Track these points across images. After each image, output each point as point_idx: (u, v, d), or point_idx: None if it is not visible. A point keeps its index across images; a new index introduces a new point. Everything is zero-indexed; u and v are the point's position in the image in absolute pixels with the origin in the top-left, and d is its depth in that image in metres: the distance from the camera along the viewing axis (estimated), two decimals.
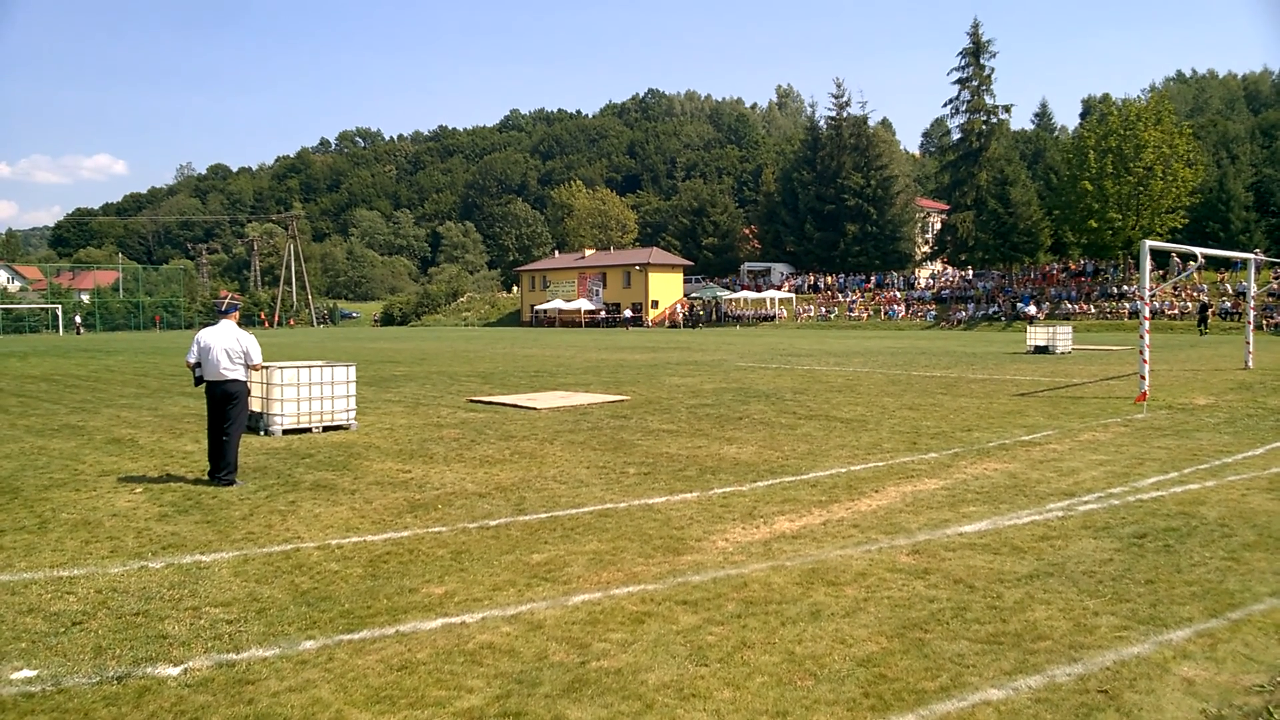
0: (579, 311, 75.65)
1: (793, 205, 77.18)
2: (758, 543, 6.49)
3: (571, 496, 8.04)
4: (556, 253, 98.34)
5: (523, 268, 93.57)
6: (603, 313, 73.65)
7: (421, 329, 79.25)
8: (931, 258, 75.59)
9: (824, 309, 66.45)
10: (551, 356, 29.82)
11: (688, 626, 4.84)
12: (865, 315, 63.59)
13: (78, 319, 77.11)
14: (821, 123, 79.50)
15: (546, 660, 4.40)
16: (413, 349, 36.16)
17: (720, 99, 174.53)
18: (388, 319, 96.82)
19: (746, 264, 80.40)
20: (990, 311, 57.70)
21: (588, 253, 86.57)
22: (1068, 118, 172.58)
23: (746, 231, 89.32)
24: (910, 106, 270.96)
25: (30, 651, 4.55)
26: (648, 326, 69.88)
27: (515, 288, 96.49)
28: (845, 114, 76.28)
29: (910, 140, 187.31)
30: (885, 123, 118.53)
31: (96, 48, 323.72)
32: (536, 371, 22.95)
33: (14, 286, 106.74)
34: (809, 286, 72.23)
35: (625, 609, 5.10)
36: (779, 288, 72.14)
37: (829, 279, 71.94)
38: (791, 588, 5.48)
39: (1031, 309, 44.80)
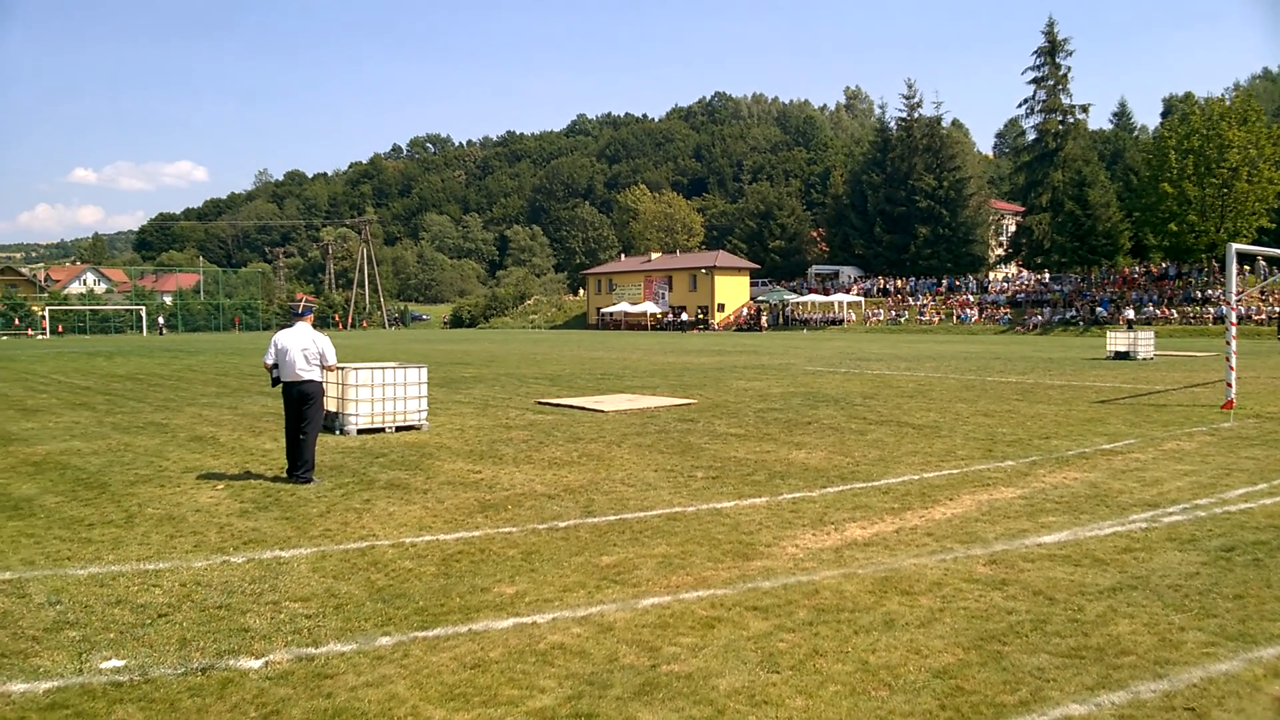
0: (645, 314, 75.80)
1: (862, 207, 76.23)
2: (829, 549, 6.42)
3: (639, 499, 8.06)
4: (623, 256, 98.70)
5: (589, 271, 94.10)
6: (670, 315, 73.65)
7: (489, 331, 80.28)
8: (1006, 260, 73.95)
9: (894, 312, 65.49)
10: (618, 359, 29.93)
11: (758, 633, 4.81)
12: (936, 319, 62.46)
13: (161, 320, 79.90)
14: (892, 124, 78.38)
15: (617, 663, 4.41)
16: (481, 351, 36.64)
17: (787, 101, 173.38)
18: (456, 321, 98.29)
19: (814, 267, 79.68)
20: (1068, 316, 56.19)
21: (654, 256, 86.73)
22: (1148, 117, 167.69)
23: (814, 234, 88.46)
24: (984, 107, 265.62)
25: (119, 642, 4.72)
26: (714, 329, 69.67)
27: (581, 291, 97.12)
28: (916, 115, 75.12)
29: (984, 141, 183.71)
30: (958, 123, 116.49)
31: (178, 59, 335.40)
32: (603, 374, 23.05)
33: (100, 288, 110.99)
34: (878, 290, 71.27)
35: (695, 613, 5.09)
36: (847, 291, 71.34)
37: (899, 282, 70.87)
38: (864, 596, 5.41)
39: (1130, 312, 42.94)
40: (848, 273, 75.51)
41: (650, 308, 76.47)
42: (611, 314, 78.54)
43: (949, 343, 43.48)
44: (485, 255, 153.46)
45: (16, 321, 75.76)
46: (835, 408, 14.92)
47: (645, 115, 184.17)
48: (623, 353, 34.45)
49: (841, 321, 66.08)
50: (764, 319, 68.30)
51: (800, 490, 8.41)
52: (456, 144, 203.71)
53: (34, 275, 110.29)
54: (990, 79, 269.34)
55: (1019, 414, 14.03)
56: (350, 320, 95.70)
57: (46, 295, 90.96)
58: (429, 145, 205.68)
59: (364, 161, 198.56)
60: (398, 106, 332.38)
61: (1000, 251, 76.55)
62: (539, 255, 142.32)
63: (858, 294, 70.30)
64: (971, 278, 69.43)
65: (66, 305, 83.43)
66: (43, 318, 75.03)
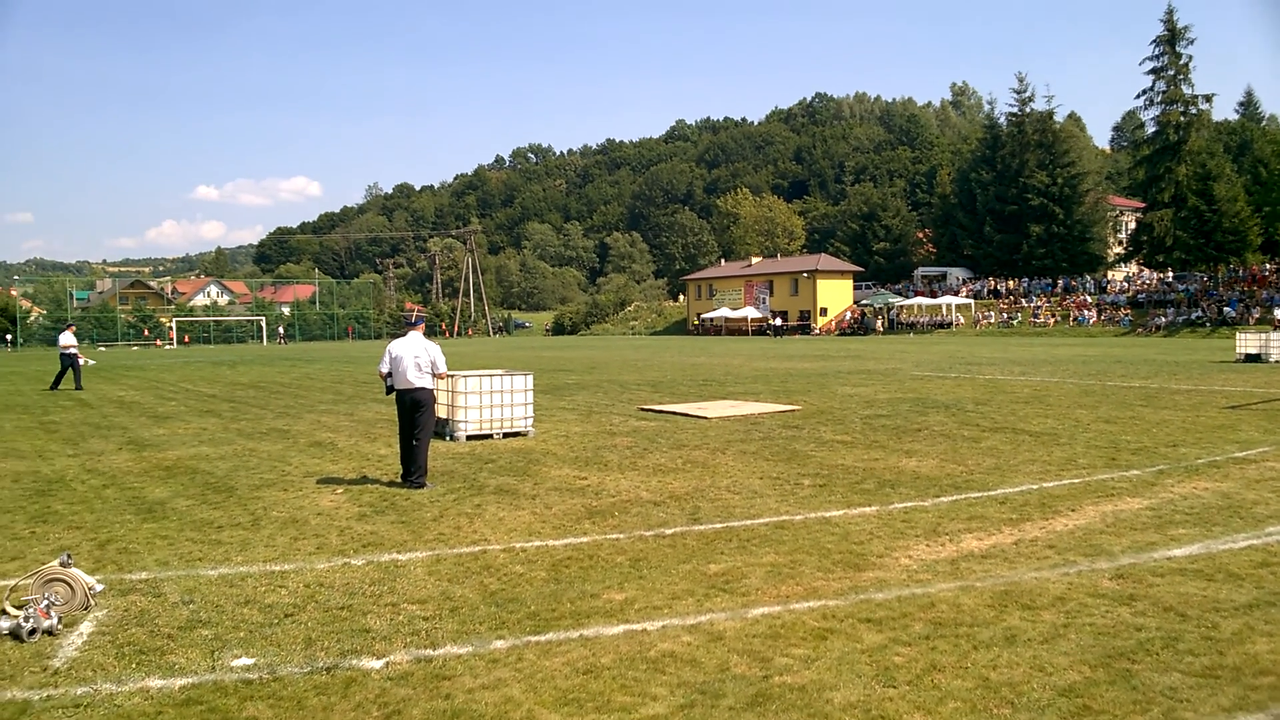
0: (745, 319, 75.35)
1: (970, 207, 74.07)
2: (944, 561, 6.24)
3: (746, 507, 8.00)
4: (723, 261, 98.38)
5: (689, 276, 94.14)
6: (776, 320, 73.05)
7: (590, 338, 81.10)
8: (1125, 259, 70.69)
9: (1005, 315, 63.36)
10: (719, 365, 29.83)
11: (873, 645, 4.70)
12: (1052, 321, 60.13)
13: (282, 330, 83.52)
14: (1002, 119, 75.97)
15: (729, 672, 4.37)
16: (583, 358, 37.04)
17: (890, 99, 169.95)
18: (558, 328, 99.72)
19: (920, 269, 77.81)
20: (1193, 316, 53.37)
21: (754, 260, 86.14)
22: (1278, 106, 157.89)
23: (920, 235, 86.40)
24: (1099, 99, 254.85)
25: (248, 640, 4.93)
26: (815, 334, 68.78)
27: (681, 296, 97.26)
28: (1028, 110, 72.58)
29: (1100, 135, 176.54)
30: (1073, 117, 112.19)
31: (293, 79, 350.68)
32: (705, 380, 23.00)
33: (223, 300, 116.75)
34: (989, 291, 69.08)
35: (806, 624, 5.02)
36: (956, 293, 69.37)
37: (1011, 283, 68.55)
38: (983, 610, 5.24)
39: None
40: (956, 274, 73.48)
41: (751, 313, 75.97)
42: (711, 319, 78.34)
43: (1066, 346, 41.81)
44: (586, 263, 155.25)
45: (146, 332, 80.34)
46: (946, 414, 14.52)
47: (744, 119, 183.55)
48: (724, 358, 34.32)
49: (950, 325, 64.30)
50: (879, 323, 66.75)
51: (912, 499, 8.21)
52: (557, 153, 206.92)
53: (162, 288, 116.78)
54: (1106, 70, 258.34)
55: (1143, 420, 13.39)
56: (456, 328, 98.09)
57: (173, 307, 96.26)
58: (531, 155, 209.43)
59: (468, 173, 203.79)
60: (500, 119, 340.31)
61: (1119, 250, 73.21)
62: (639, 262, 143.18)
63: (967, 296, 68.28)
64: (1089, 278, 66.63)
65: (192, 316, 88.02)
66: (170, 328, 79.37)
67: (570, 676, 4.35)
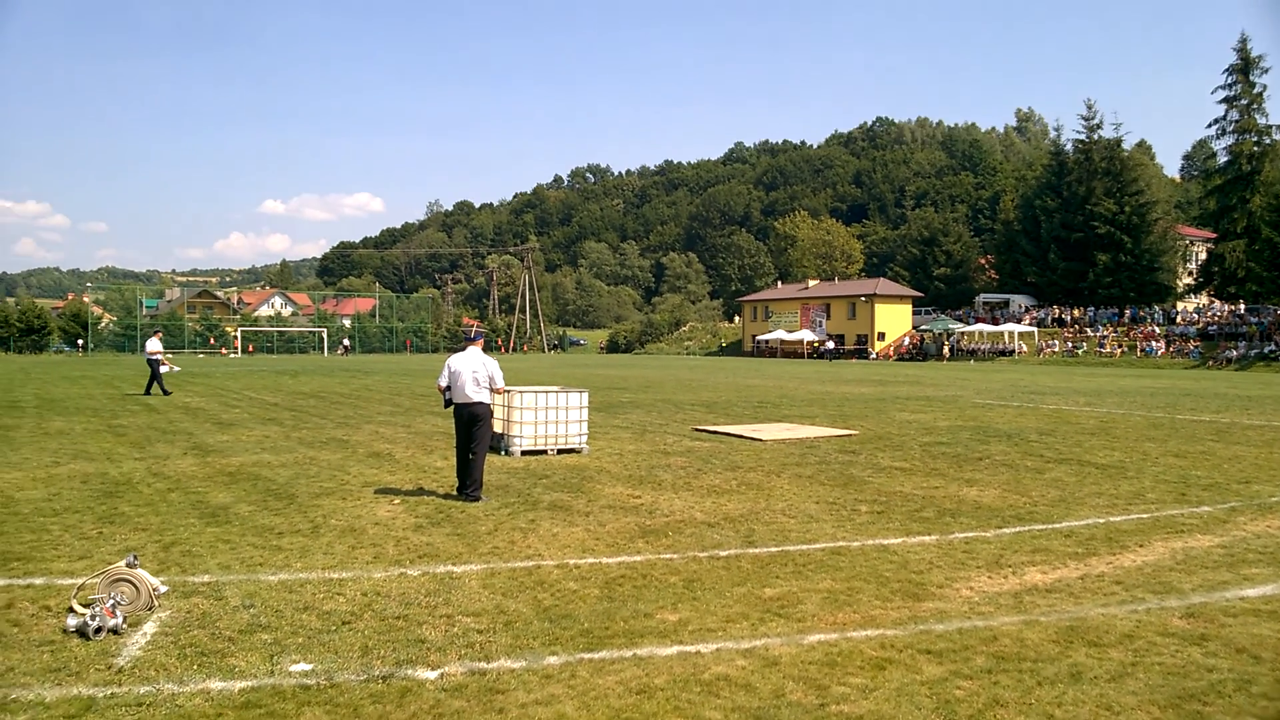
0: (801, 342, 74.82)
1: (1035, 234, 72.79)
2: (1007, 594, 6.08)
3: (802, 532, 7.89)
4: (779, 283, 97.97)
5: (745, 298, 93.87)
6: (830, 343, 72.46)
7: (645, 357, 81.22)
8: (1195, 290, 68.88)
9: (1070, 344, 61.98)
10: (774, 387, 29.62)
11: (933, 678, 4.59)
12: (1118, 352, 58.69)
13: (346, 341, 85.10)
14: (1068, 146, 74.70)
15: (784, 699, 4.30)
16: (637, 376, 37.07)
17: (953, 124, 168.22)
18: (613, 346, 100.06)
19: (982, 295, 76.56)
20: (1267, 350, 51.66)
21: (811, 283, 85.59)
22: None
23: (982, 261, 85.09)
24: (1169, 127, 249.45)
25: (306, 646, 4.98)
26: (873, 358, 68.00)
27: (737, 318, 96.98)
28: (1096, 136, 71.28)
29: (1170, 163, 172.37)
30: (1142, 145, 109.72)
31: (359, 98, 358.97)
32: (760, 402, 22.85)
33: (287, 311, 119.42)
34: (1053, 320, 67.71)
35: (864, 653, 4.92)
36: (1018, 320, 68.11)
37: (1076, 312, 67.11)
38: (1047, 645, 5.09)
39: None
40: (1019, 301, 72.17)
41: (807, 335, 75.45)
42: (767, 341, 77.96)
43: (1132, 377, 40.73)
44: (641, 282, 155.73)
45: (212, 340, 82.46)
46: (1008, 443, 14.21)
47: (804, 142, 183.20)
48: (779, 380, 34.08)
49: (1012, 352, 63.13)
50: (946, 349, 65.57)
51: (973, 530, 8.03)
52: (615, 174, 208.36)
53: (228, 298, 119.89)
54: (1176, 98, 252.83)
55: (1214, 456, 12.96)
56: (512, 344, 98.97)
57: (239, 317, 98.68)
58: (589, 175, 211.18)
59: (527, 192, 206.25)
60: (559, 139, 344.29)
61: (1189, 280, 71.38)
62: (694, 282, 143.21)
63: (1030, 324, 67.01)
64: (1157, 308, 64.93)
65: (256, 326, 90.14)
66: (235, 337, 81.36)
67: (623, 696, 4.31)
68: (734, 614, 5.57)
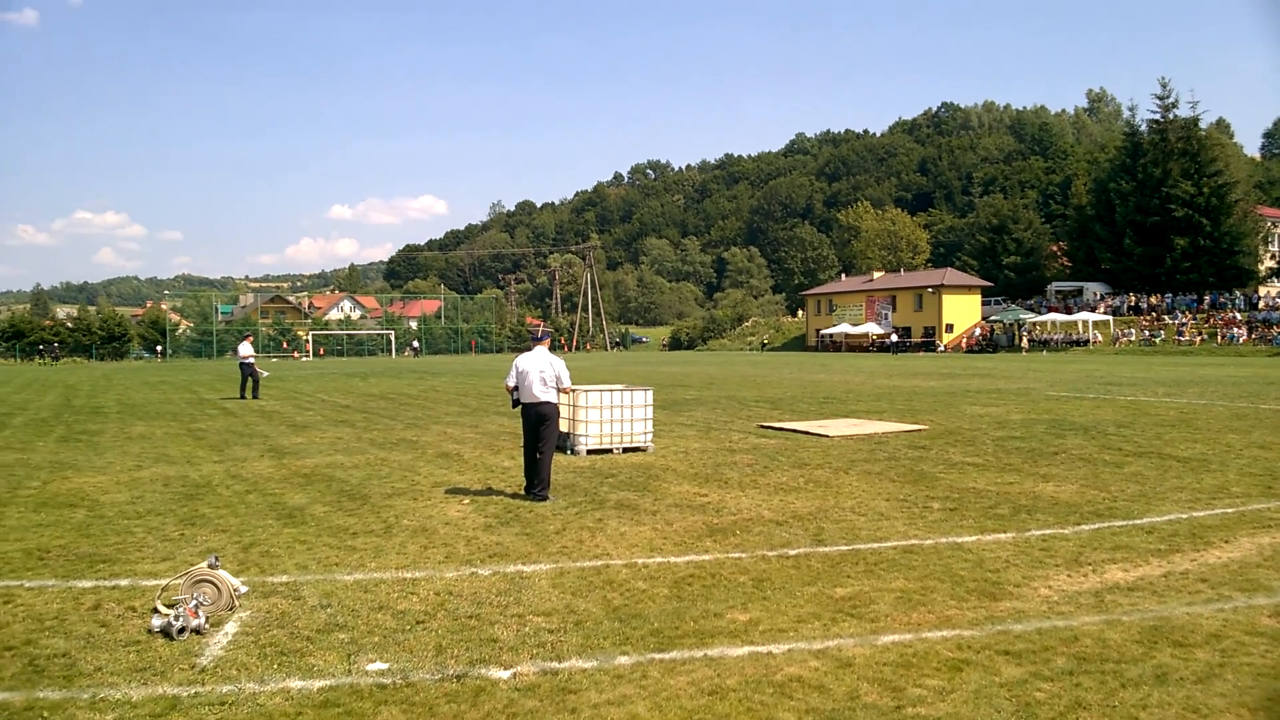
0: (867, 336, 73.84)
1: (1109, 218, 70.67)
2: (1087, 593, 5.91)
3: (872, 529, 7.78)
4: (843, 276, 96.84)
5: (808, 291, 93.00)
6: (892, 336, 71.40)
7: (707, 353, 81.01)
8: (1278, 274, 66.14)
9: (1147, 332, 60.07)
10: (840, 382, 29.28)
11: (1012, 679, 4.48)
12: (1198, 339, 56.69)
13: (415, 343, 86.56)
14: (1143, 127, 72.41)
15: (859, 701, 4.24)
16: (701, 373, 36.97)
17: (1021, 108, 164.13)
18: (675, 343, 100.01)
19: (1054, 284, 74.67)
20: None
21: (876, 275, 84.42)
22: None
23: (1054, 248, 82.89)
24: (1249, 105, 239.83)
25: (382, 646, 5.06)
26: (942, 351, 66.80)
27: (800, 312, 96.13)
28: (1171, 116, 68.92)
29: (1249, 142, 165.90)
30: (1221, 124, 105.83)
31: (421, 102, 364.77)
32: (825, 398, 22.60)
33: (355, 314, 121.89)
34: (1129, 308, 65.71)
35: (940, 654, 4.82)
36: (1093, 309, 66.23)
37: (1153, 299, 65.03)
38: (1131, 646, 4.93)
39: None
40: (1093, 289, 70.19)
41: (873, 328, 74.42)
42: (831, 335, 77.11)
43: (1214, 366, 39.29)
44: (703, 278, 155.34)
45: (285, 344, 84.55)
46: (1085, 437, 13.82)
47: (866, 131, 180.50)
48: (845, 375, 33.68)
49: (1086, 342, 61.41)
50: (1026, 341, 63.88)
51: (1050, 527, 7.82)
52: (675, 169, 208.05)
53: (299, 303, 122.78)
54: (1256, 74, 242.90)
55: None
56: (575, 343, 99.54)
57: (310, 321, 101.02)
58: (649, 171, 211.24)
59: (588, 190, 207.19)
60: (619, 136, 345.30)
61: (1271, 264, 68.61)
62: (756, 277, 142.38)
63: (1105, 312, 65.11)
64: (1238, 293, 62.55)
65: (327, 330, 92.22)
66: (306, 341, 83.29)
67: (695, 697, 4.29)
68: (805, 614, 5.51)
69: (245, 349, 24.54)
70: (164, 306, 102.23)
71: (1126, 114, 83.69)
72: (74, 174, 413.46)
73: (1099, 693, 4.32)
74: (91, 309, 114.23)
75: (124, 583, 6.35)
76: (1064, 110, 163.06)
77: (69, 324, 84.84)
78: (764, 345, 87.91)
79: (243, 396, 24.09)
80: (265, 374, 27.70)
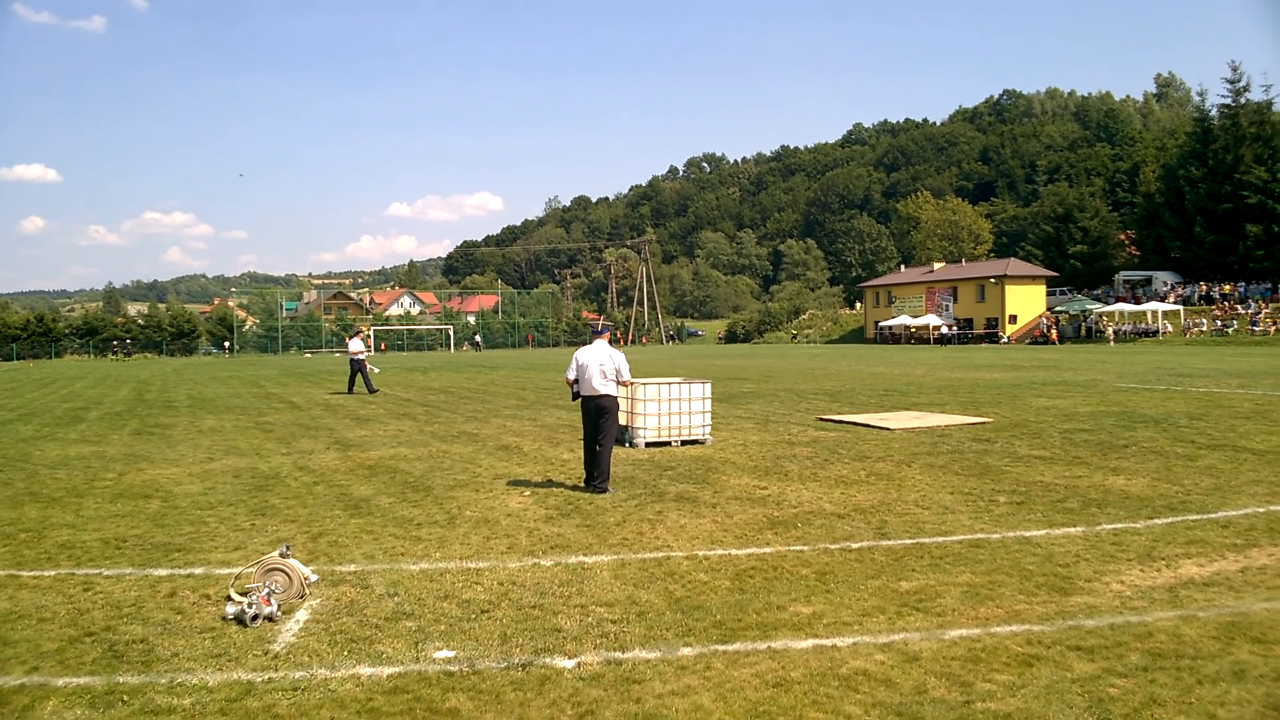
0: (927, 328, 72.71)
1: (1178, 206, 68.58)
2: (1161, 588, 5.76)
3: (937, 523, 7.66)
4: (902, 267, 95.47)
5: (866, 283, 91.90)
6: (942, 328, 70.16)
7: (764, 346, 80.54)
8: None
9: (1219, 322, 58.19)
10: (900, 375, 28.89)
11: (1084, 675, 4.39)
12: (1272, 329, 54.75)
13: (478, 338, 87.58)
14: (1213, 112, 70.13)
15: (926, 695, 4.18)
16: (758, 366, 36.78)
17: (1086, 94, 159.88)
18: (731, 336, 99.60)
19: (1122, 273, 72.69)
20: None
21: (936, 266, 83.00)
22: None
23: (1121, 237, 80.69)
24: None
25: (449, 634, 5.14)
26: (1006, 342, 65.51)
27: (858, 304, 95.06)
28: (1243, 100, 66.61)
29: None
30: None
31: (477, 99, 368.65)
32: (885, 390, 22.32)
33: (415, 310, 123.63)
34: (1200, 297, 63.70)
35: (1009, 649, 4.73)
36: (1162, 299, 64.32)
37: (1225, 287, 62.95)
38: (1207, 642, 4.79)
39: None
40: (1162, 278, 68.19)
41: (933, 320, 73.24)
42: (890, 327, 76.09)
43: None
44: (759, 270, 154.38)
45: (347, 340, 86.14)
46: (1156, 429, 13.44)
47: (925, 119, 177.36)
48: (905, 368, 33.22)
49: (1156, 333, 59.70)
50: (1109, 331, 62.08)
51: (1122, 521, 7.63)
52: (731, 162, 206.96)
53: (361, 299, 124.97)
54: None
55: None
56: (630, 337, 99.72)
57: (371, 317, 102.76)
58: (704, 165, 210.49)
59: (643, 184, 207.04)
60: (674, 129, 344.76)
61: None
62: (813, 269, 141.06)
63: (1174, 302, 63.22)
64: None
65: (387, 325, 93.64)
66: (368, 336, 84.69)
67: (760, 689, 4.28)
68: (869, 607, 5.45)
69: (356, 345, 24.35)
70: (231, 303, 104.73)
71: (1196, 99, 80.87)
72: (142, 175, 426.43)
73: (1174, 689, 4.22)
74: (161, 306, 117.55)
75: (198, 571, 6.53)
76: (1130, 96, 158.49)
77: (140, 321, 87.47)
78: (793, 338, 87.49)
79: (350, 391, 23.86)
80: (377, 370, 27.75)
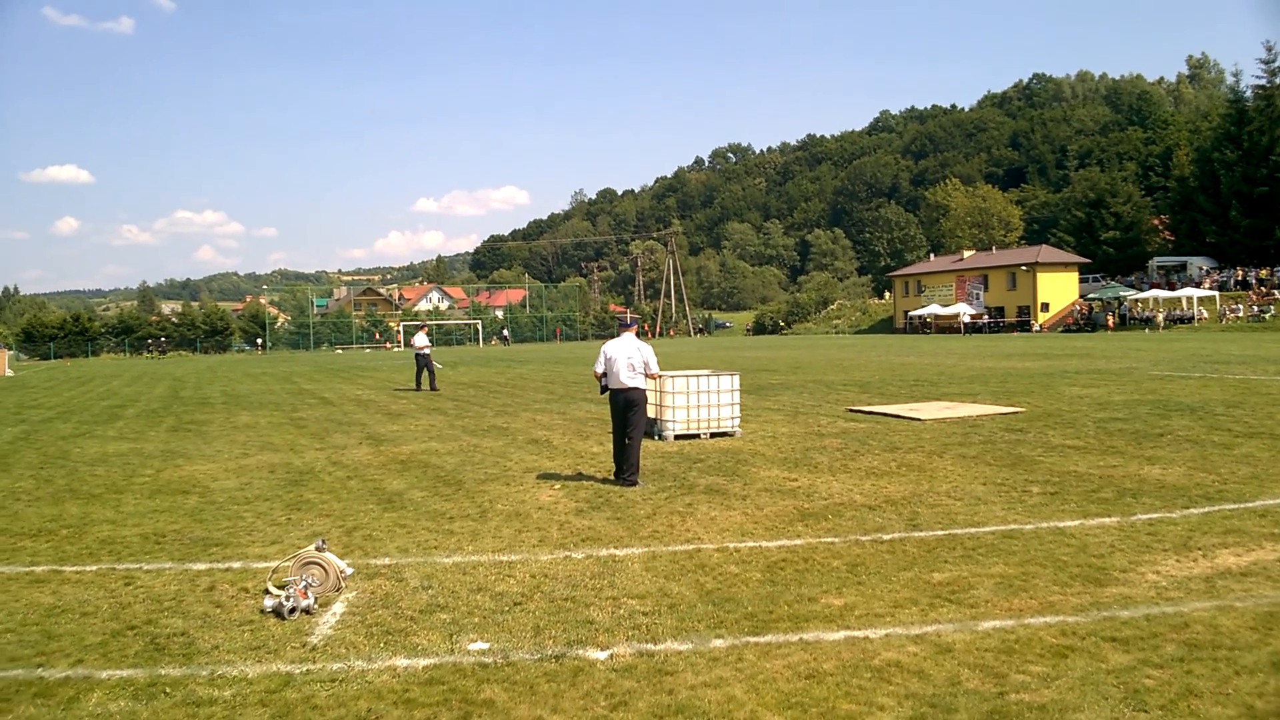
0: (957, 317, 72.07)
1: (1213, 190, 67.40)
2: (1197, 578, 5.70)
3: (969, 514, 7.62)
4: (932, 256, 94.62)
5: (895, 272, 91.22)
6: (965, 317, 69.46)
7: (792, 337, 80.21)
8: None
9: (1256, 308, 57.18)
10: (931, 364, 28.69)
11: (1119, 666, 4.36)
12: None
13: (506, 332, 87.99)
14: (1248, 93, 68.80)
15: (960, 686, 4.17)
16: (786, 357, 36.65)
17: (1117, 76, 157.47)
18: (759, 328, 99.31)
19: (1156, 259, 71.59)
20: None
21: (966, 254, 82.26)
22: None
23: (1155, 222, 79.41)
24: None
25: (482, 626, 5.19)
26: (1037, 330, 64.80)
27: (887, 294, 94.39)
28: (1279, 81, 65.24)
29: None
30: None
31: (502, 92, 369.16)
32: (916, 380, 22.18)
33: (443, 305, 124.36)
34: (1236, 282, 62.60)
35: (1044, 640, 4.71)
36: (1198, 284, 63.31)
37: (1262, 272, 61.81)
38: (1244, 632, 4.74)
39: None
40: (1197, 264, 67.09)
41: (964, 309, 72.57)
42: (920, 317, 75.51)
43: None
44: (786, 261, 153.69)
45: (377, 335, 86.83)
46: (1192, 417, 13.27)
47: (954, 105, 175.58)
48: (935, 357, 32.97)
49: (1191, 319, 58.79)
50: (1160, 318, 61.24)
51: (1157, 510, 7.54)
52: (756, 152, 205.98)
53: (390, 295, 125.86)
54: None
55: None
56: (658, 329, 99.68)
57: (400, 312, 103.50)
58: (730, 155, 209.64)
59: (668, 176, 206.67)
60: (699, 120, 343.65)
61: None
62: (841, 259, 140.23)
63: (1210, 288, 62.21)
64: None
65: (416, 320, 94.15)
66: (398, 332, 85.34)
67: (792, 680, 4.29)
68: (902, 599, 5.44)
69: (421, 339, 23.92)
70: (262, 301, 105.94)
71: (1230, 80, 79.40)
72: (173, 175, 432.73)
73: (1211, 680, 4.18)
74: (194, 304, 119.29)
75: (236, 565, 6.64)
76: (1162, 78, 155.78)
77: (174, 319, 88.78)
78: (837, 328, 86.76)
79: (418, 388, 23.47)
80: (440, 366, 27.46)
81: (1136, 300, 62.61)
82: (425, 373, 23.53)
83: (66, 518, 8.49)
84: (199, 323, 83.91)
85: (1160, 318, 59.14)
